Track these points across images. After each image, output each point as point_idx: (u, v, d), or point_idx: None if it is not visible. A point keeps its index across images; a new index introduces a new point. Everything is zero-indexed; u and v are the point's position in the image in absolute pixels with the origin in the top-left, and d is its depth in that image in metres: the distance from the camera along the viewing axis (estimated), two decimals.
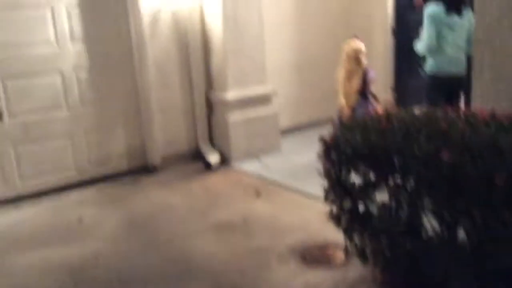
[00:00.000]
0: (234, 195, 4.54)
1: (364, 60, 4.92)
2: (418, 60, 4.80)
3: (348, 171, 2.81)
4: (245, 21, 5.26)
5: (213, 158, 5.28)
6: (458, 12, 4.42)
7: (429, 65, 4.58)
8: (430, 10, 4.43)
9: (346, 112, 5.01)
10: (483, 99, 3.29)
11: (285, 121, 6.18)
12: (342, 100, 5.08)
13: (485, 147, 2.23)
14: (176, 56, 5.25)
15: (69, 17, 4.74)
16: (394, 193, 2.58)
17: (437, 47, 4.44)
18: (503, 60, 3.20)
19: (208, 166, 5.23)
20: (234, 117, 5.33)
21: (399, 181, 2.54)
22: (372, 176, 2.68)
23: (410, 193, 2.50)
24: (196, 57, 5.31)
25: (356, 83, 4.93)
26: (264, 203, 4.33)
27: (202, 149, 5.44)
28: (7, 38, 4.47)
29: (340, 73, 5.05)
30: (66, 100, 4.82)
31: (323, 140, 2.92)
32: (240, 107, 5.36)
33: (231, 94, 5.29)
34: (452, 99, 4.54)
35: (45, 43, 4.66)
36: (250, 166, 5.22)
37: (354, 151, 2.70)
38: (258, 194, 4.50)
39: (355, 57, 4.88)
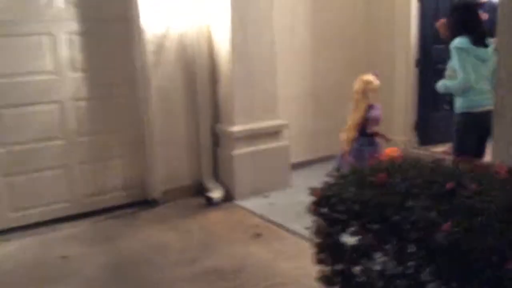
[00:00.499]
0: (232, 236, 4.20)
1: (371, 95, 4.53)
2: (446, 99, 4.48)
3: (341, 229, 2.44)
4: (256, 49, 4.97)
5: (216, 194, 4.97)
6: (484, 43, 4.05)
7: (460, 103, 4.13)
8: (459, 42, 4.01)
9: (345, 147, 4.63)
10: (504, 143, 2.89)
11: (298, 155, 5.86)
12: (343, 134, 4.70)
13: (497, 218, 1.84)
14: (181, 85, 5.00)
15: (70, 45, 4.54)
16: (391, 260, 2.20)
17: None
18: None
19: (210, 202, 4.91)
20: (240, 151, 5.01)
21: (395, 248, 2.15)
22: (366, 238, 2.30)
23: (408, 264, 2.11)
24: (203, 86, 5.05)
25: (357, 116, 4.53)
26: (262, 247, 3.97)
27: (206, 184, 5.13)
28: (4, 66, 4.29)
29: (352, 105, 4.70)
30: (63, 129, 4.60)
31: (313, 191, 2.56)
32: (248, 140, 5.05)
33: (238, 127, 4.98)
34: (484, 137, 4.15)
35: (44, 71, 4.46)
36: (254, 204, 4.88)
37: (347, 207, 2.34)
38: (257, 236, 4.15)
39: (363, 90, 4.52)
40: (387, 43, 6.12)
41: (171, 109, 4.96)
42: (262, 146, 5.13)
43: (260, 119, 5.11)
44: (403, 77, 6.00)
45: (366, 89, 4.47)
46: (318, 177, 5.53)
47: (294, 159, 5.75)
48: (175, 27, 4.83)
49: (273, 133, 5.20)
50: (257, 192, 5.09)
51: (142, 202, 4.98)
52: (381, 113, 4.62)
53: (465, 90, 3.99)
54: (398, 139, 6.09)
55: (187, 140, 5.11)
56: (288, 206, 4.77)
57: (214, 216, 4.66)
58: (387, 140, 4.65)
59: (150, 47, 4.73)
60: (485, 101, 3.94)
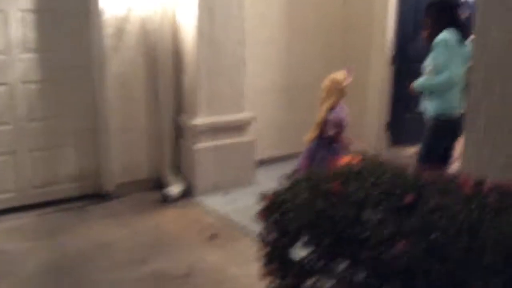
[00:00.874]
0: (186, 237, 3.94)
1: (338, 95, 4.17)
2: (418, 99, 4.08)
3: (292, 240, 2.20)
4: (224, 37, 4.69)
5: (174, 189, 4.69)
6: (464, 40, 3.80)
7: (436, 105, 3.82)
8: (445, 37, 3.72)
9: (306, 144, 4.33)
10: (475, 149, 2.70)
11: (267, 150, 5.60)
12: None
13: (459, 238, 1.61)
14: (142, 71, 4.69)
15: (22, 23, 4.19)
16: (342, 281, 1.96)
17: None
18: (503, 109, 2.59)
19: (167, 198, 4.63)
20: (203, 144, 4.74)
21: (347, 266, 1.92)
22: (316, 252, 2.06)
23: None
24: (166, 74, 4.74)
25: (319, 116, 4.23)
26: (215, 250, 3.72)
27: (165, 179, 4.85)
28: None
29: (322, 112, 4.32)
30: (11, 114, 4.27)
31: (263, 196, 2.32)
32: (211, 134, 4.78)
33: (202, 119, 4.70)
34: (454, 141, 3.96)
35: None
36: (214, 202, 4.61)
37: (298, 216, 2.10)
38: (212, 237, 3.90)
39: (329, 88, 4.20)
40: (364, 39, 5.89)
41: (130, 96, 4.66)
42: (227, 141, 4.86)
43: (225, 111, 4.83)
44: (377, 75, 5.78)
45: (332, 88, 4.15)
46: (284, 173, 5.41)
47: (262, 154, 5.50)
48: (137, 10, 4.51)
49: (239, 127, 4.94)
50: (218, 189, 4.83)
51: (94, 195, 4.67)
52: (346, 116, 4.24)
53: (449, 88, 3.72)
54: (368, 140, 5.91)
55: (147, 130, 4.82)
56: (249, 206, 4.43)
57: (170, 214, 4.39)
58: (347, 148, 4.19)
59: (109, 30, 4.41)
60: (460, 106, 3.72)
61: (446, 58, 3.68)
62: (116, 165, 4.68)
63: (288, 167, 5.69)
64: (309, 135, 4.23)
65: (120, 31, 4.48)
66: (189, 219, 4.28)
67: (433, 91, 3.83)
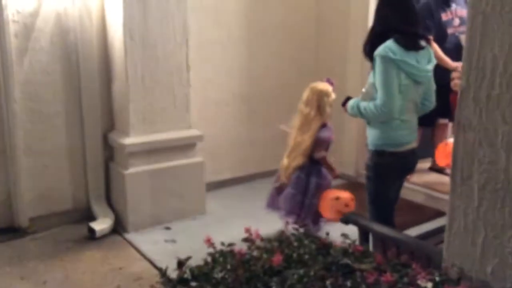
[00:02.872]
0: None
1: (328, 110, 3.52)
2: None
3: None
4: (161, 38, 3.83)
5: (101, 224, 3.82)
6: (416, 50, 2.68)
7: (376, 136, 2.79)
8: (387, 49, 2.59)
9: (287, 174, 3.57)
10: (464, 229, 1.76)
11: (222, 172, 4.77)
12: (284, 160, 3.64)
13: None
14: (60, 80, 3.81)
15: None
16: None
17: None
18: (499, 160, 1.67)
19: (93, 235, 3.76)
20: (136, 169, 3.87)
21: None
22: None
23: None
24: (90, 83, 3.88)
25: (309, 136, 3.45)
26: None
27: (93, 210, 3.98)
28: None
29: (295, 120, 3.62)
30: None
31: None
32: (147, 156, 3.91)
33: (134, 138, 3.84)
34: (402, 183, 3.04)
35: None
36: (149, 240, 3.74)
37: None
38: None
39: (318, 103, 3.47)
40: (340, 41, 5.05)
41: (45, 111, 3.78)
42: (167, 163, 3.99)
43: (165, 128, 3.97)
44: (356, 82, 4.92)
45: (322, 102, 3.47)
46: (243, 200, 4.54)
47: (216, 176, 4.65)
48: (50, 3, 3.64)
49: (183, 147, 4.07)
50: (157, 222, 3.97)
51: (5, 230, 3.80)
52: (333, 135, 3.62)
53: (383, 121, 2.72)
54: (347, 158, 5.06)
55: (69, 152, 3.94)
56: (193, 246, 3.63)
57: (89, 258, 3.51)
58: (334, 174, 3.67)
59: (13, 28, 3.53)
60: (409, 137, 2.80)
61: (385, 81, 2.59)
62: (30, 194, 3.80)
63: (247, 190, 4.97)
64: (289, 162, 3.55)
65: (29, 29, 3.60)
66: (111, 266, 3.39)
67: (364, 118, 2.84)
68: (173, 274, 1.60)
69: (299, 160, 3.51)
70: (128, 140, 3.80)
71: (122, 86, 3.80)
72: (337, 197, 3.43)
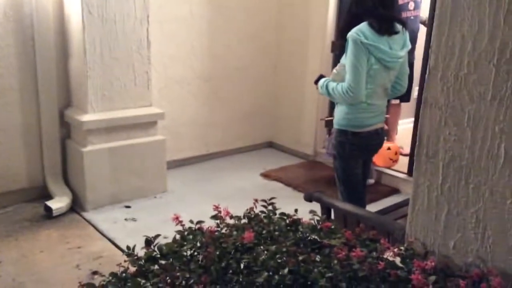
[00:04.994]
0: (57, 274, 2.99)
1: None
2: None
3: None
4: (121, 12, 3.71)
5: (59, 202, 3.72)
6: (389, 35, 2.69)
7: (342, 116, 2.81)
8: (359, 32, 2.60)
9: None
10: (427, 181, 1.82)
11: (183, 150, 4.72)
12: None
13: None
14: (13, 54, 3.65)
15: None
16: None
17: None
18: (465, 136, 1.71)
19: (49, 214, 3.66)
20: (95, 146, 3.77)
21: None
22: None
23: None
24: (45, 58, 3.73)
25: None
26: None
27: (50, 188, 3.87)
28: None
29: None
30: None
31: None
32: (106, 133, 3.82)
33: (92, 115, 3.73)
34: (369, 159, 3.12)
35: None
36: (108, 219, 3.68)
37: None
38: (94, 275, 2.98)
39: None
40: (301, 20, 5.04)
41: None
42: (127, 141, 3.92)
43: (124, 106, 3.88)
44: (316, 62, 4.95)
45: None
46: (205, 178, 4.52)
47: (176, 155, 4.61)
48: None
49: (143, 125, 4.00)
50: (116, 200, 3.90)
51: None
52: None
53: (351, 103, 2.72)
54: (306, 136, 5.11)
55: (23, 129, 3.80)
56: (154, 224, 3.61)
57: (47, 237, 3.42)
58: None
59: None
60: (375, 119, 2.84)
61: (354, 66, 2.60)
62: None
63: (206, 170, 4.95)
64: None
65: None
66: (70, 245, 3.32)
67: (331, 99, 2.93)
68: (140, 252, 1.57)
69: None
70: (86, 117, 3.69)
71: (80, 62, 3.68)
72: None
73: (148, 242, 1.45)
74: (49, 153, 3.88)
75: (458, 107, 1.55)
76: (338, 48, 4.75)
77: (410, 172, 4.36)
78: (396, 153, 4.55)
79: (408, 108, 5.21)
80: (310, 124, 5.07)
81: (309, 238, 1.56)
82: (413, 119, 5.47)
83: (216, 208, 1.67)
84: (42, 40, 3.68)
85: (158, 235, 1.49)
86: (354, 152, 2.83)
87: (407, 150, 4.72)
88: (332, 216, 2.58)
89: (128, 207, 3.88)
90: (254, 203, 1.73)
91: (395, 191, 4.36)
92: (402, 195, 4.24)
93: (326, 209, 2.53)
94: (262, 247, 1.40)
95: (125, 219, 3.68)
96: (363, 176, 2.98)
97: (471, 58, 1.48)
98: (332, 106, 4.68)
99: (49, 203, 3.68)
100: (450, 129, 1.58)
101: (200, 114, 4.84)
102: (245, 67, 5.05)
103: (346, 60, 2.68)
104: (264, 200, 1.72)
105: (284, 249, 1.33)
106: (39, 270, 3.01)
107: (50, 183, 3.88)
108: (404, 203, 3.00)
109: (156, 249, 1.44)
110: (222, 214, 1.60)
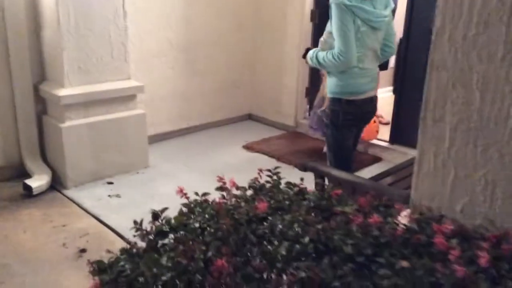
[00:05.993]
0: (44, 253, 2.91)
1: None
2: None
3: None
4: None
5: (38, 181, 3.61)
6: None
7: (334, 85, 2.77)
8: None
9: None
10: (431, 150, 1.81)
11: (163, 124, 4.63)
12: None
13: None
14: None
15: None
16: None
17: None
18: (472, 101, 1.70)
19: (29, 193, 3.55)
20: (73, 122, 3.66)
21: None
22: None
23: None
24: (18, 30, 3.56)
25: None
26: (81, 276, 2.73)
27: (27, 166, 3.75)
28: None
29: None
30: None
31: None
32: (84, 108, 3.70)
33: (69, 89, 3.60)
34: (361, 128, 3.07)
35: None
36: (92, 196, 3.60)
37: None
38: (81, 253, 2.91)
39: None
40: None
41: None
42: (106, 116, 3.81)
43: (102, 79, 3.76)
44: (295, 32, 4.88)
45: None
46: (186, 152, 4.45)
47: (156, 129, 4.52)
48: None
49: (123, 99, 3.89)
50: (98, 177, 3.81)
51: None
52: None
53: (342, 70, 2.71)
54: (287, 107, 5.07)
55: None
56: (139, 200, 3.56)
57: (29, 216, 3.32)
58: None
59: None
60: (368, 85, 2.81)
61: (342, 30, 2.55)
62: None
63: (188, 144, 4.88)
64: None
65: None
66: (54, 224, 3.24)
67: (323, 68, 2.86)
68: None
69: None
70: (63, 91, 3.56)
71: (54, 33, 3.53)
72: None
73: (156, 215, 1.39)
74: (25, 130, 3.74)
75: (466, 69, 1.53)
76: (318, 17, 4.70)
77: (392, 141, 4.39)
78: (378, 126, 4.52)
79: (386, 76, 5.22)
80: (291, 94, 5.03)
81: (319, 206, 1.53)
82: (391, 87, 5.52)
83: (221, 179, 1.62)
84: (12, 11, 3.51)
85: (165, 208, 1.44)
86: (348, 121, 2.80)
87: (387, 118, 4.74)
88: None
89: (110, 183, 3.80)
90: (259, 173, 1.69)
91: (377, 159, 4.39)
92: (384, 163, 4.28)
93: (320, 178, 2.52)
94: (276, 216, 1.37)
95: (109, 196, 3.60)
96: (353, 147, 2.98)
97: (481, 18, 1.45)
98: (313, 75, 4.65)
99: (28, 181, 3.57)
100: (458, 92, 1.56)
101: (178, 87, 4.74)
102: (223, 37, 4.95)
103: (332, 26, 2.64)
104: (269, 170, 1.68)
105: (301, 218, 1.30)
106: (24, 251, 2.93)
107: (28, 161, 3.76)
108: (391, 171, 3.01)
109: (164, 222, 1.39)
110: (227, 185, 1.56)
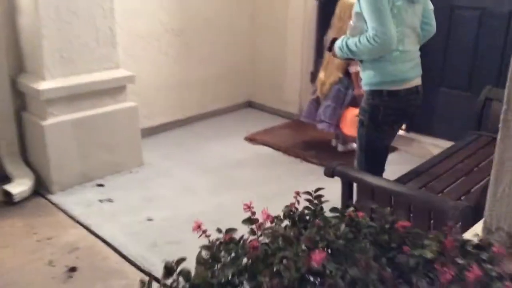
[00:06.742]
0: (27, 273, 2.53)
1: None
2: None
3: None
4: None
5: (19, 186, 3.21)
6: None
7: (372, 74, 2.37)
8: None
9: (323, 89, 3.78)
10: None
11: (157, 116, 4.25)
12: (321, 74, 3.83)
13: None
14: None
15: None
16: None
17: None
18: None
19: (9, 199, 3.15)
20: (57, 119, 3.25)
21: None
22: None
23: None
24: None
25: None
26: None
27: (7, 169, 3.34)
28: None
29: (329, 36, 3.48)
30: None
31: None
32: (69, 103, 3.29)
33: (51, 82, 3.19)
34: (397, 129, 2.61)
35: None
36: (81, 201, 3.21)
37: None
38: (71, 271, 2.54)
39: (350, 16, 3.24)
40: None
41: None
42: (94, 111, 3.40)
43: (88, 69, 3.34)
44: (299, 11, 4.47)
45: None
46: (183, 146, 4.07)
47: (148, 122, 4.13)
48: None
49: (111, 91, 3.48)
50: (87, 179, 3.42)
51: None
52: None
53: (381, 55, 2.28)
54: (290, 93, 4.69)
55: None
56: (134, 205, 3.18)
57: (9, 228, 2.93)
58: (357, 91, 3.58)
59: None
60: (412, 72, 2.39)
61: (375, 8, 2.16)
62: None
63: (185, 137, 4.49)
64: (326, 76, 3.76)
65: None
66: (38, 236, 2.84)
67: (356, 57, 2.39)
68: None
69: (335, 75, 3.69)
70: (44, 85, 3.14)
71: (32, 19, 3.10)
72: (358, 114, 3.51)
73: (169, 269, 1.02)
74: (2, 129, 3.32)
75: None
76: None
77: (408, 129, 4.04)
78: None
79: None
80: (294, 79, 4.64)
81: (378, 241, 1.16)
82: None
83: (248, 207, 1.24)
84: None
85: (182, 259, 1.06)
86: (389, 117, 2.38)
87: None
88: (355, 193, 2.21)
89: (101, 185, 3.41)
90: (296, 197, 1.31)
91: (393, 149, 4.02)
92: (400, 154, 3.93)
93: (347, 184, 2.15)
94: (332, 265, 1.00)
95: (100, 201, 3.21)
96: (388, 148, 2.58)
97: None
98: (318, 58, 4.26)
99: (8, 187, 3.17)
100: None
101: (172, 74, 4.32)
102: (219, 18, 4.52)
103: (361, 4, 2.24)
104: (308, 193, 1.31)
105: (374, 276, 0.93)
106: (4, 271, 2.54)
107: (7, 164, 3.35)
108: (421, 170, 2.65)
109: (181, 279, 1.02)
110: (262, 217, 1.19)
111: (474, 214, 1.86)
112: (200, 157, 3.86)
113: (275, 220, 1.24)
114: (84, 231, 2.89)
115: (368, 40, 2.18)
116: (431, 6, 2.46)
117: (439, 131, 3.89)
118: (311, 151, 3.93)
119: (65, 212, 3.09)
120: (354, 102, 3.61)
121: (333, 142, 4.04)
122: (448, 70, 3.78)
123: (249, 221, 1.21)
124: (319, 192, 1.31)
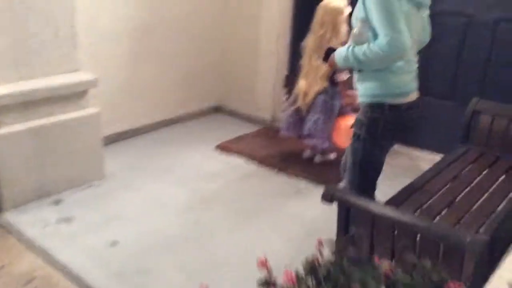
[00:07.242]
0: None
1: (344, 29, 3.32)
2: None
3: None
4: None
5: None
6: None
7: (373, 86, 2.16)
8: None
9: (306, 100, 3.51)
10: None
11: (122, 122, 3.93)
12: (301, 82, 3.54)
13: None
14: None
15: None
16: None
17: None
18: None
19: None
20: (9, 128, 2.88)
21: None
22: None
23: None
24: None
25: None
26: None
27: None
28: None
29: (309, 42, 3.46)
30: None
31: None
32: (23, 110, 2.93)
33: (2, 87, 2.83)
34: (393, 144, 2.41)
35: None
36: (36, 220, 2.85)
37: None
38: None
39: (333, 21, 3.31)
40: None
41: None
42: (51, 119, 3.05)
43: (44, 72, 2.99)
44: (272, 8, 4.23)
45: (337, 21, 3.31)
46: (148, 156, 3.75)
47: (110, 129, 3.80)
48: None
49: (70, 96, 3.13)
50: (43, 194, 3.07)
51: None
52: None
53: (393, 62, 2.05)
54: (262, 99, 4.45)
55: None
56: (94, 225, 2.85)
57: None
58: (345, 101, 3.41)
59: None
60: (412, 84, 2.21)
61: (388, 12, 1.95)
62: None
63: (153, 144, 4.16)
64: (309, 85, 3.49)
65: None
66: None
67: (364, 67, 2.13)
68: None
69: (320, 85, 3.44)
70: None
71: None
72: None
73: None
74: None
75: None
76: None
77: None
78: None
79: None
80: (267, 83, 4.39)
81: None
82: None
83: (263, 264, 1.00)
84: None
85: None
86: (388, 131, 2.18)
87: None
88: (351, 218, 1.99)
89: (58, 202, 3.06)
90: (319, 249, 1.08)
91: None
92: (385, 165, 3.74)
93: (345, 209, 1.92)
94: None
95: (57, 220, 2.87)
96: (382, 165, 2.37)
97: None
98: (293, 60, 4.03)
99: None
100: None
101: (135, 76, 3.99)
102: (187, 15, 4.22)
103: (370, 9, 2.00)
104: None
105: None
106: None
107: None
108: (414, 187, 2.46)
109: None
110: (285, 278, 0.94)
111: (490, 247, 1.68)
112: (169, 168, 3.57)
113: (298, 279, 1.00)
114: (40, 258, 2.55)
115: (380, 48, 1.94)
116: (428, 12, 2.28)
117: (423, 141, 3.74)
118: (286, 162, 3.70)
119: (18, 233, 2.74)
120: (342, 112, 3.43)
121: (307, 153, 3.78)
122: (432, 79, 3.63)
123: (265, 284, 0.96)
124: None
